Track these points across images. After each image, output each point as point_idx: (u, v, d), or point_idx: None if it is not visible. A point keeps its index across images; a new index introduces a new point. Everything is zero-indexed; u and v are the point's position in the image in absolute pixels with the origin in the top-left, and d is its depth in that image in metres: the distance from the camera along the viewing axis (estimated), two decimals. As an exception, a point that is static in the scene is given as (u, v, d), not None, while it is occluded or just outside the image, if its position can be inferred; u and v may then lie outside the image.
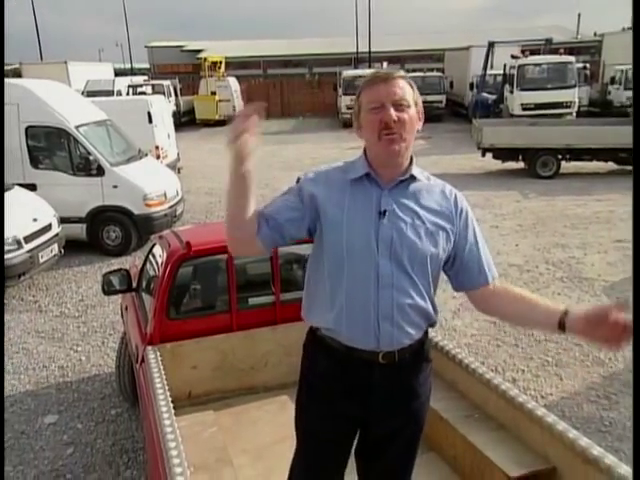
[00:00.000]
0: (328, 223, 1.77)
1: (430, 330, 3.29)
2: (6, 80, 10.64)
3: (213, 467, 1.82)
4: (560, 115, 17.31)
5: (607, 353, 4.92)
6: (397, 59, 36.66)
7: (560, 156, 12.45)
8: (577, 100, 18.53)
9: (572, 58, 19.67)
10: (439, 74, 27.31)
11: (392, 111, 1.70)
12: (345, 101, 24.29)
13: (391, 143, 1.71)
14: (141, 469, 3.55)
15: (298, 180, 1.91)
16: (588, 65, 24.36)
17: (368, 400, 1.82)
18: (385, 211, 1.75)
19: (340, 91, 25.06)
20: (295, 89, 31.90)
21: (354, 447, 1.99)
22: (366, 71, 26.78)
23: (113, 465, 3.67)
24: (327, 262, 1.79)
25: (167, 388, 2.65)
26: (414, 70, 28.85)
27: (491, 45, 20.80)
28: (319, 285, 1.84)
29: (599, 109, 22.32)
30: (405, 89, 1.75)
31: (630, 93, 18.43)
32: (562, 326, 1.72)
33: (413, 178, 1.82)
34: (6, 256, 5.92)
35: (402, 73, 1.81)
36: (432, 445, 2.94)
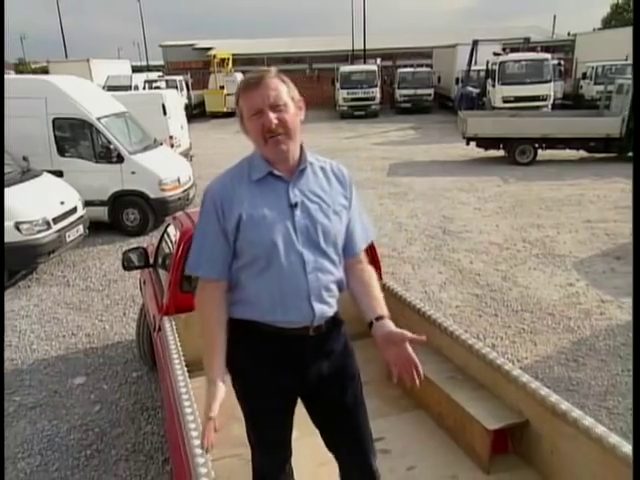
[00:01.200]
0: (247, 225, 1.68)
1: (419, 301, 3.32)
2: (35, 76, 10.58)
3: (223, 424, 1.84)
4: (537, 107, 17.24)
5: (577, 322, 4.96)
6: (389, 56, 36.22)
7: (537, 145, 12.38)
8: (552, 94, 18.46)
9: (548, 55, 19.57)
10: (428, 70, 27.07)
11: (271, 115, 1.63)
12: (342, 94, 24.15)
13: (277, 144, 1.66)
14: (160, 424, 3.60)
15: (206, 195, 1.79)
16: (562, 62, 24.18)
17: (305, 370, 1.79)
18: (295, 203, 1.70)
19: (337, 85, 24.80)
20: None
21: (312, 420, 1.94)
22: (361, 67, 26.64)
23: (135, 421, 3.71)
24: (256, 260, 1.71)
25: (181, 353, 2.67)
26: (405, 66, 28.57)
27: (475, 43, 20.63)
28: (249, 283, 1.74)
29: (572, 102, 22.22)
30: (279, 89, 1.66)
31: (600, 87, 18.30)
32: (370, 327, 1.77)
33: (310, 164, 1.77)
34: (37, 235, 5.93)
35: (273, 72, 1.70)
36: (420, 403, 2.97)
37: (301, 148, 1.77)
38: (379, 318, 1.76)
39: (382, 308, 1.80)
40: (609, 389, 3.92)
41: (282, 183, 1.73)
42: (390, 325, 1.74)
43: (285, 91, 1.69)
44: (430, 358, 2.99)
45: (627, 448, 1.94)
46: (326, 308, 1.76)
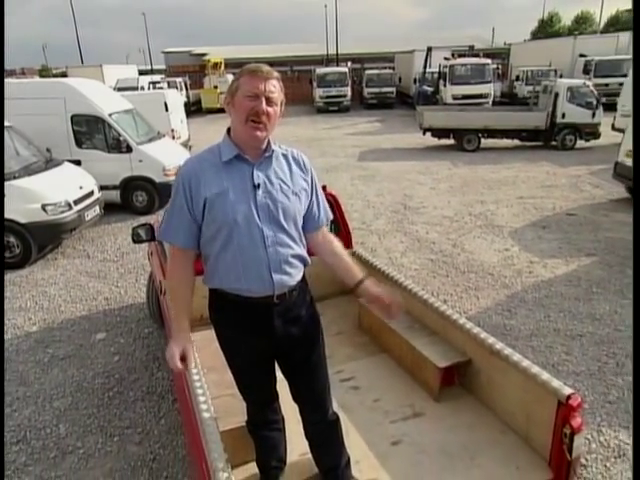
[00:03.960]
0: (214, 202, 1.61)
1: (384, 265, 3.33)
2: (55, 79, 10.19)
3: (220, 369, 1.84)
4: (480, 103, 17.22)
5: (511, 279, 5.05)
6: (358, 60, 35.67)
7: (480, 134, 12.39)
8: (492, 92, 18.51)
9: (489, 60, 19.54)
10: (391, 71, 26.70)
11: (264, 104, 1.58)
12: (319, 92, 23.76)
13: (255, 130, 1.60)
14: (169, 371, 3.57)
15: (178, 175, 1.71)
16: (500, 66, 24.16)
17: (273, 334, 1.74)
18: (258, 184, 1.64)
19: (314, 84, 24.38)
20: None
21: (282, 374, 1.92)
22: (334, 69, 26.19)
23: (148, 368, 3.71)
24: (219, 234, 1.63)
25: None
26: (371, 68, 28.17)
27: (429, 50, 20.35)
28: (216, 255, 1.67)
29: (508, 100, 22.27)
30: (278, 90, 1.62)
31: (529, 88, 18.36)
32: (356, 290, 1.81)
33: (274, 151, 1.71)
34: (60, 215, 5.79)
35: (278, 76, 1.65)
36: (384, 348, 3.01)
37: (268, 140, 1.71)
38: (359, 283, 1.79)
39: (358, 273, 1.82)
40: (534, 332, 4.03)
41: (247, 166, 1.66)
42: (369, 286, 1.79)
43: (280, 95, 1.65)
44: (392, 311, 3.04)
45: (545, 376, 2.01)
46: (286, 278, 1.69)
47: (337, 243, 1.89)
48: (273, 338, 1.75)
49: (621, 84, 13.12)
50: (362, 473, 2.07)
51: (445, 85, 18.40)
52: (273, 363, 1.87)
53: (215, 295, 1.76)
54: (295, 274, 1.73)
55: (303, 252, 1.76)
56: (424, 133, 12.87)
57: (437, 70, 19.55)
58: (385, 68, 27.83)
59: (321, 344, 1.89)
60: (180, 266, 1.71)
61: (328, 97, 23.73)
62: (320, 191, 1.86)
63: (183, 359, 1.69)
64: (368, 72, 26.30)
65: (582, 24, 44.96)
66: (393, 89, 25.11)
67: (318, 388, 1.91)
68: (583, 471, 2.61)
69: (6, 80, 8.13)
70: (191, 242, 1.69)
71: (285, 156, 1.75)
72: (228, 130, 1.71)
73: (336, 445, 2.00)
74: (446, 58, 19.13)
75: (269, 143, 1.70)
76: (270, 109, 1.60)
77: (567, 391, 1.89)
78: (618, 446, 2.79)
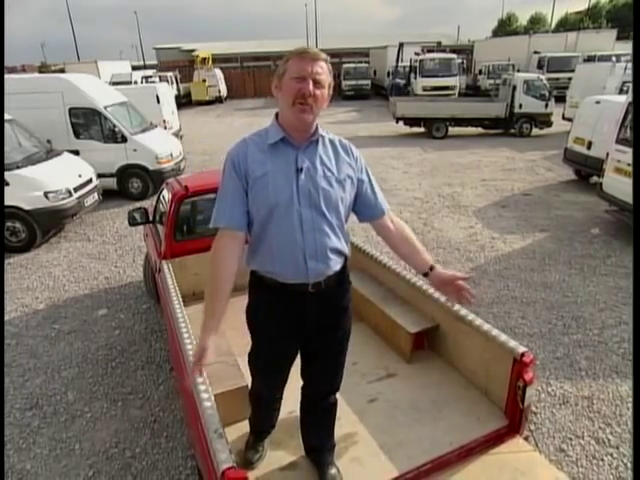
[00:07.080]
0: (256, 183, 1.45)
1: (362, 243, 3.33)
2: (53, 75, 9.78)
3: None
4: (447, 95, 17.18)
5: (475, 254, 5.11)
6: (336, 54, 34.96)
7: (448, 123, 12.37)
8: (458, 85, 18.44)
9: (455, 55, 19.43)
10: (366, 65, 26.30)
11: (311, 86, 1.40)
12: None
13: (302, 112, 1.42)
14: (165, 342, 3.58)
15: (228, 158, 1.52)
16: (465, 61, 24.08)
17: (304, 321, 1.59)
18: (302, 168, 1.46)
19: (296, 78, 23.95)
20: (263, 77, 29.98)
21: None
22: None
23: (147, 340, 3.69)
24: (259, 215, 1.47)
25: (177, 289, 2.61)
26: (348, 62, 27.70)
27: (401, 45, 20.10)
28: (256, 236, 1.52)
29: (472, 91, 22.26)
30: (326, 72, 1.44)
31: (491, 81, 18.37)
32: (427, 276, 1.66)
33: (322, 137, 1.54)
34: (61, 202, 5.63)
35: (326, 57, 1.45)
36: (361, 317, 3.00)
37: (316, 125, 1.54)
38: (432, 268, 1.65)
39: (429, 258, 1.66)
40: (495, 300, 4.11)
41: (292, 150, 1.48)
42: (441, 271, 1.64)
43: (328, 77, 1.46)
44: (369, 284, 3.04)
45: (503, 337, 2.05)
46: (322, 266, 1.51)
47: (407, 229, 1.71)
48: (305, 326, 1.60)
49: (570, 78, 13.23)
50: (342, 428, 2.09)
51: (416, 78, 18.26)
52: (297, 349, 1.71)
53: (254, 277, 1.62)
54: (332, 264, 1.55)
55: (341, 243, 1.56)
56: (397, 122, 12.79)
57: (408, 64, 19.35)
58: (361, 62, 27.34)
59: (347, 336, 1.72)
60: (229, 251, 1.47)
61: (309, 89, 23.34)
62: (373, 180, 1.66)
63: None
64: (345, 66, 25.83)
65: (536, 24, 45.33)
66: (368, 82, 24.81)
67: (332, 374, 1.78)
68: (533, 417, 2.70)
69: (8, 76, 7.85)
70: (244, 224, 1.49)
71: (332, 142, 1.57)
72: (277, 115, 1.53)
73: (326, 428, 1.88)
74: (416, 53, 18.97)
75: (316, 128, 1.52)
76: (317, 91, 1.42)
77: (521, 349, 1.94)
78: (563, 395, 2.90)
